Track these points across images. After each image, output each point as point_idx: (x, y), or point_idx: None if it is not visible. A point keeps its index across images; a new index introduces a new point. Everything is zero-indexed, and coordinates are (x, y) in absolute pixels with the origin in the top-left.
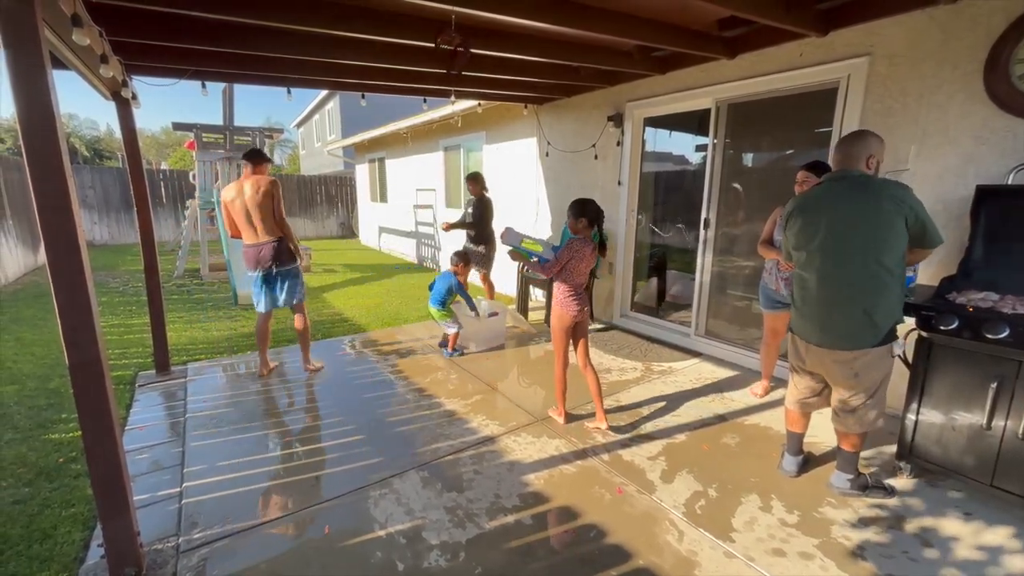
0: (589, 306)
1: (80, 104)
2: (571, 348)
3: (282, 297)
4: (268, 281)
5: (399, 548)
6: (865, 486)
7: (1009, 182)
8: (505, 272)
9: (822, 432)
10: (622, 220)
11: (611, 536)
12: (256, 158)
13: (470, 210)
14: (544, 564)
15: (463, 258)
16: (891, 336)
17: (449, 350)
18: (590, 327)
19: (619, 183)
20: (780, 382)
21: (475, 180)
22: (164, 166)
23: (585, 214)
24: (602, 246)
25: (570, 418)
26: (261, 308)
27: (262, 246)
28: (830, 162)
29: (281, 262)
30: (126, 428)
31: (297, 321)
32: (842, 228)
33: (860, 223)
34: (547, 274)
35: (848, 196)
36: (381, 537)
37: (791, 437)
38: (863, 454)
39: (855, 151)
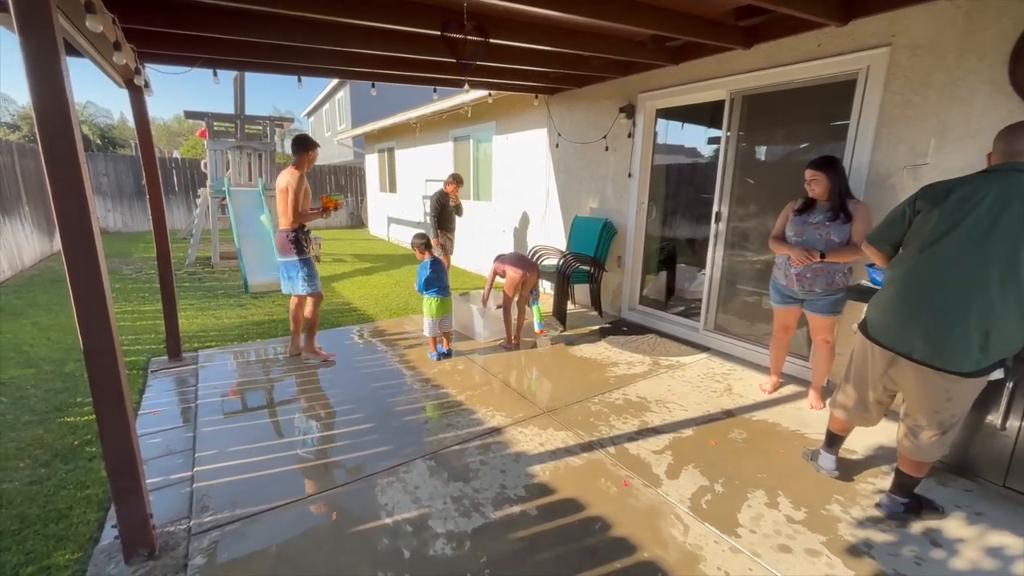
0: (535, 275)
1: (94, 92)
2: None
3: None
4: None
5: (405, 536)
6: (919, 509)
7: None
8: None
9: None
10: (632, 213)
11: (616, 529)
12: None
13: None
14: (549, 555)
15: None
16: (997, 366)
17: (447, 347)
18: (601, 321)
19: (630, 175)
20: (789, 378)
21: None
22: (176, 154)
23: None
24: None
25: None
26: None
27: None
28: (993, 150)
29: None
30: (139, 412)
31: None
32: (994, 231)
33: (1018, 231)
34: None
35: (1015, 193)
36: (388, 525)
37: (832, 437)
38: (873, 454)
39: None
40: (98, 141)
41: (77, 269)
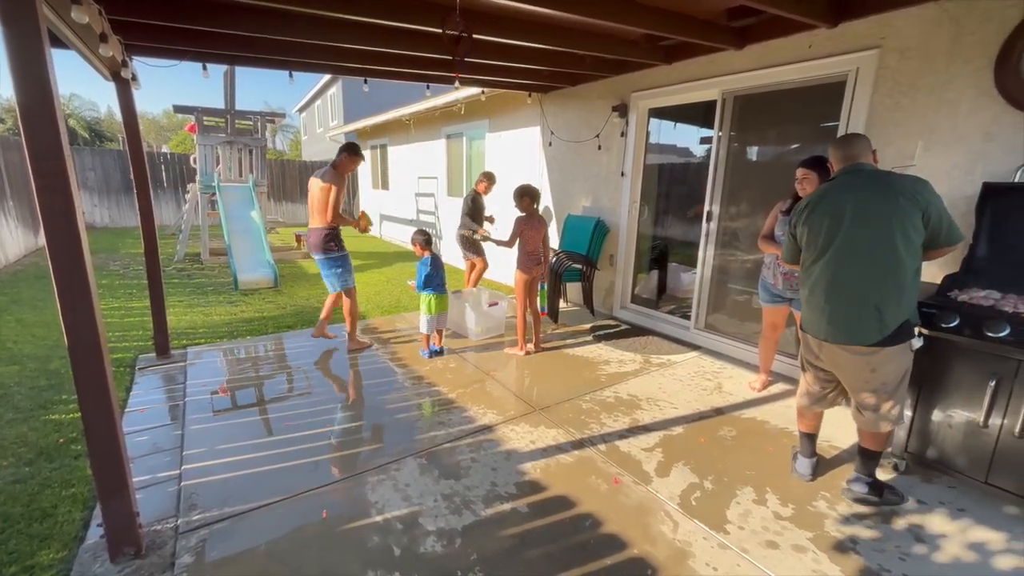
0: (544, 267)
1: (80, 85)
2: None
3: None
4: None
5: (396, 533)
6: (881, 492)
7: (1016, 180)
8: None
9: (826, 431)
10: (624, 212)
11: (606, 525)
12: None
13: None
14: (539, 552)
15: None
16: (905, 333)
17: (438, 345)
18: (593, 319)
19: (622, 174)
20: (779, 376)
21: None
22: (165, 149)
23: (527, 194)
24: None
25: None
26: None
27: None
28: (832, 160)
29: None
30: (126, 410)
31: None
32: (858, 222)
33: (876, 217)
34: (507, 245)
35: (865, 188)
36: (378, 522)
37: (804, 439)
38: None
39: (861, 147)
40: (85, 135)
41: (61, 265)
